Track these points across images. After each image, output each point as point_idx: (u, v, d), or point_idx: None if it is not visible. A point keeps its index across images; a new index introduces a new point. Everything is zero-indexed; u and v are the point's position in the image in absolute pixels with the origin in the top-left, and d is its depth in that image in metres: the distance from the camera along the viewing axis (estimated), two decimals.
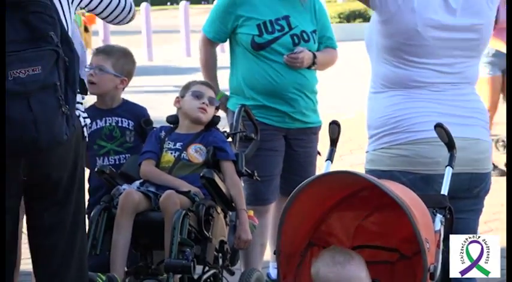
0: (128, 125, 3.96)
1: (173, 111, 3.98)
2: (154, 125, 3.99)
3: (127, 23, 3.33)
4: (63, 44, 2.79)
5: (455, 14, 2.94)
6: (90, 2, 3.13)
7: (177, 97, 3.94)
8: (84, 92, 3.08)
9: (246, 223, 3.72)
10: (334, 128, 3.05)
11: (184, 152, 3.74)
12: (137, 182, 3.69)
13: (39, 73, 2.69)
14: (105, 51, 4.03)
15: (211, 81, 4.20)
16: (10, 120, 2.65)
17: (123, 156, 3.94)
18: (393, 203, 2.54)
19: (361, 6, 23.59)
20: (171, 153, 3.76)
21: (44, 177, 2.90)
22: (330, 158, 3.06)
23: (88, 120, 3.13)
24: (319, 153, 4.34)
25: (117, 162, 3.92)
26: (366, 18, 22.32)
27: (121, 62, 3.97)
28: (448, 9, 2.94)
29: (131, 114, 4.00)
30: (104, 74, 3.92)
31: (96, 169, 3.71)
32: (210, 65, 4.33)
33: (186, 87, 3.95)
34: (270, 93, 4.08)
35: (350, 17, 22.58)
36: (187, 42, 18.03)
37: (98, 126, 3.97)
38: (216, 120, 3.90)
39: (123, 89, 4.03)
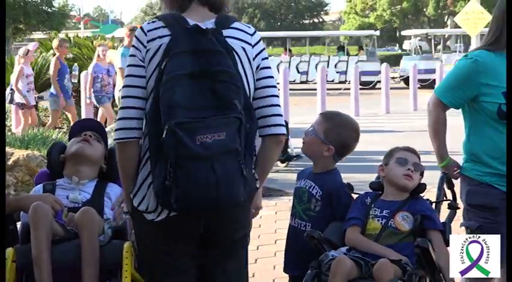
0: (316, 193, 3.89)
1: None
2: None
3: None
4: (245, 110, 2.92)
5: None
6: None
7: (381, 165, 3.91)
8: None
9: None
10: None
11: (392, 219, 3.68)
12: (343, 249, 3.65)
13: (223, 139, 2.83)
14: None
15: (439, 144, 4.05)
16: (195, 181, 2.81)
17: (304, 223, 3.88)
18: None
19: None
20: (378, 220, 3.71)
21: (220, 235, 3.07)
22: None
23: None
24: None
25: (299, 227, 3.89)
26: None
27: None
28: None
29: (325, 182, 3.90)
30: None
31: (305, 234, 3.69)
32: (439, 128, 4.06)
33: (389, 155, 3.92)
34: None
35: None
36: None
37: (297, 185, 4.02)
38: (421, 187, 3.83)
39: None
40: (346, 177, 4.06)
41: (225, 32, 3.03)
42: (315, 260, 3.59)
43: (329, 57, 33.15)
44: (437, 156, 4.08)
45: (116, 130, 3.05)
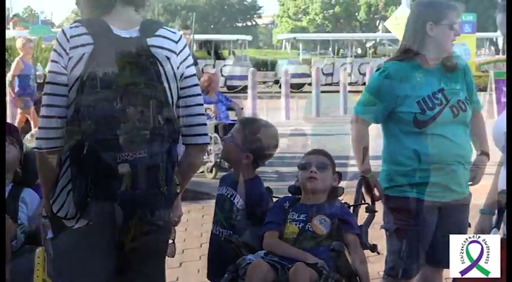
0: (237, 203, 3.85)
1: None
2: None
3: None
4: (167, 124, 2.91)
5: None
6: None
7: (296, 177, 3.94)
8: None
9: None
10: None
11: (309, 223, 3.69)
12: (261, 253, 3.65)
13: (144, 156, 2.82)
14: None
15: (361, 160, 4.08)
16: (116, 198, 2.81)
17: (225, 231, 3.83)
18: None
19: None
20: (296, 224, 3.71)
21: (139, 242, 3.01)
22: None
23: None
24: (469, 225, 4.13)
25: (220, 236, 3.84)
26: None
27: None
28: None
29: (247, 191, 3.86)
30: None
31: (223, 238, 3.68)
32: (360, 144, 4.10)
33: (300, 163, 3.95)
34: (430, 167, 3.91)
35: None
36: None
37: (219, 192, 3.97)
38: (339, 191, 3.86)
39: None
40: (272, 184, 4.09)
41: (150, 41, 2.98)
42: (232, 264, 3.58)
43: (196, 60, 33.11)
44: (360, 170, 4.10)
45: (36, 139, 2.97)
